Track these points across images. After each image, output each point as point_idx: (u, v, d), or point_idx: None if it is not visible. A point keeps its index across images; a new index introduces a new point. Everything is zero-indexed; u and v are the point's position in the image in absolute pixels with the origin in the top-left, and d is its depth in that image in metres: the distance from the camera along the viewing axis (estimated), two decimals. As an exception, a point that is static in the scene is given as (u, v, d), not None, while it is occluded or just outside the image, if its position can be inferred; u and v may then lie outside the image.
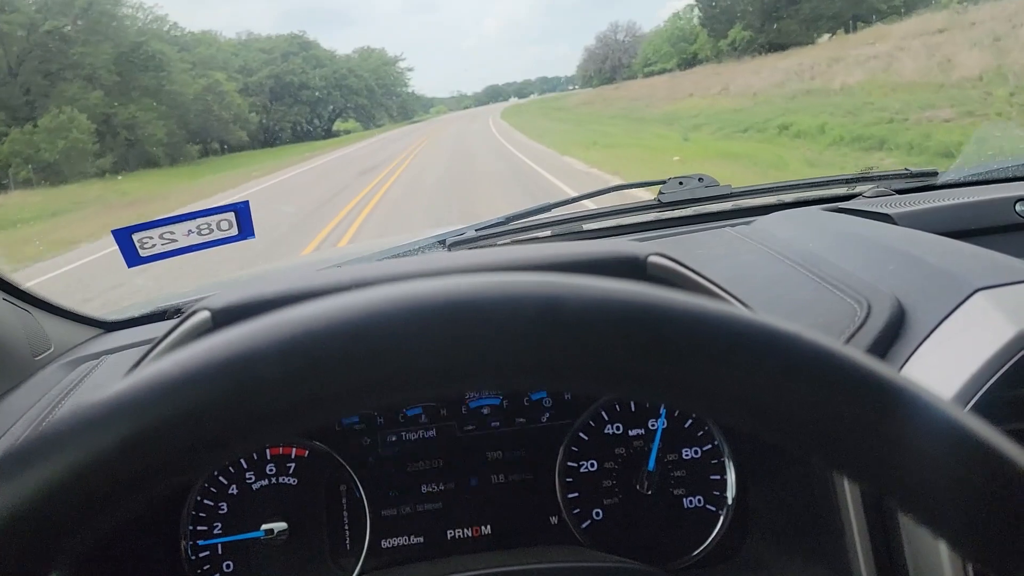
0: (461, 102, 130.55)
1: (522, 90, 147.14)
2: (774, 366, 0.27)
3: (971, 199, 1.07)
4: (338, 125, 63.82)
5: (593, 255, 0.65)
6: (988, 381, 0.59)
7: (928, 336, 0.67)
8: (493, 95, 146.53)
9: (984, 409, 0.59)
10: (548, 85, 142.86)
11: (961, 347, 0.64)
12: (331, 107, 63.95)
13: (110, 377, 0.91)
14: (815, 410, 0.27)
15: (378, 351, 0.27)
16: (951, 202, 1.07)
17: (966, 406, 0.59)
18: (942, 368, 0.63)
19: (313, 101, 59.38)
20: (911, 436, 0.27)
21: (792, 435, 0.28)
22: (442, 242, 1.34)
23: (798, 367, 0.28)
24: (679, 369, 0.28)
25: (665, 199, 1.41)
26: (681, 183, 1.43)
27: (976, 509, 0.27)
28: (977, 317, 0.65)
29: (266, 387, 0.27)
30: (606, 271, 0.65)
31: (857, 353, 0.28)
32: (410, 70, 76.03)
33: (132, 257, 1.02)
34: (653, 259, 0.65)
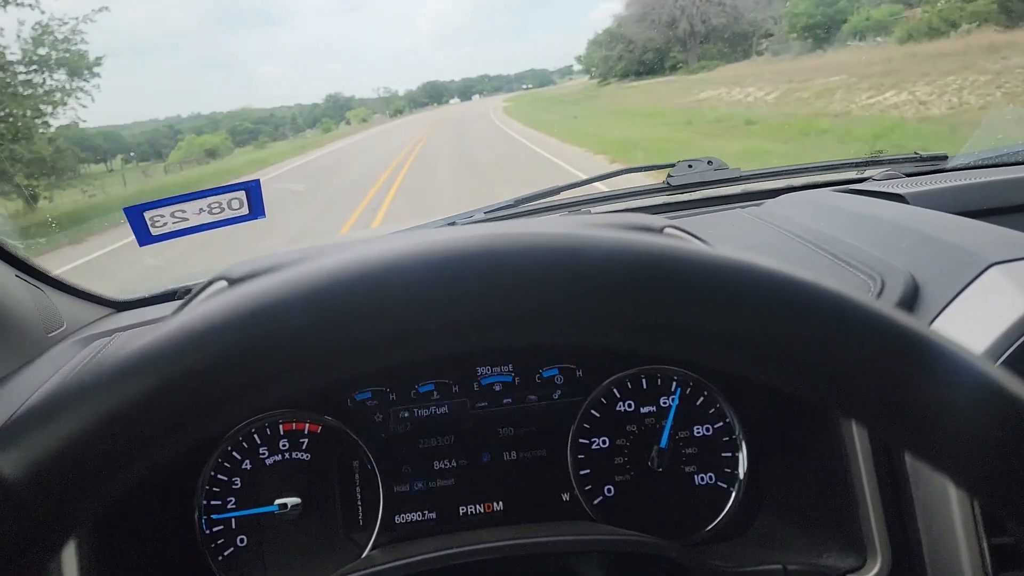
0: (391, 103, 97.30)
1: (465, 89, 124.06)
2: (807, 318, 0.28)
3: (983, 179, 1.06)
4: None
5: (609, 225, 0.65)
6: (1004, 353, 0.59)
7: (942, 311, 0.67)
8: (433, 94, 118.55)
9: None
10: (492, 84, 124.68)
11: (976, 320, 0.64)
12: None
13: None
14: (846, 362, 0.27)
15: (400, 301, 0.27)
16: (963, 182, 1.06)
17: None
18: (958, 341, 0.63)
19: None
20: (942, 388, 0.27)
21: (819, 387, 0.28)
22: (451, 224, 1.34)
23: (830, 319, 0.28)
24: (713, 319, 0.28)
25: (674, 182, 1.40)
26: (690, 166, 1.42)
27: (1001, 460, 0.27)
28: (992, 291, 0.65)
29: (293, 335, 0.27)
30: None
31: (891, 308, 0.28)
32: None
33: (144, 235, 1.02)
34: (669, 230, 0.65)
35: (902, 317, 0.28)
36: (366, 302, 0.27)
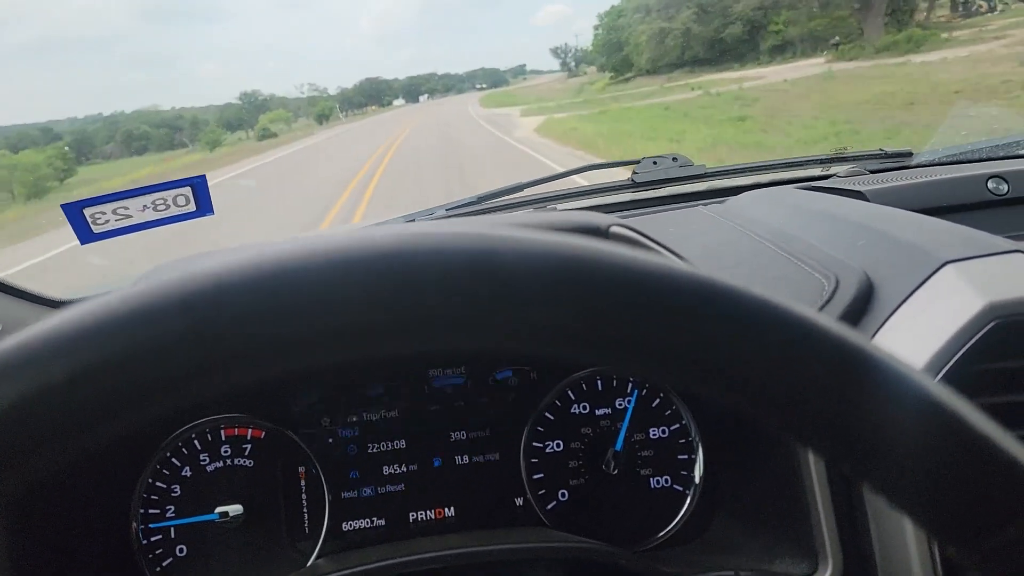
0: (314, 104, 74.74)
1: (411, 89, 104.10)
2: (738, 329, 0.26)
3: (944, 176, 1.06)
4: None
5: (554, 224, 0.63)
6: (956, 354, 0.58)
7: (896, 309, 0.66)
8: (372, 93, 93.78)
9: (952, 382, 0.58)
10: (441, 83, 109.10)
11: (929, 320, 0.62)
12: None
13: None
14: (777, 374, 0.26)
15: (292, 305, 0.25)
16: (924, 179, 1.05)
17: (934, 379, 0.58)
18: (910, 341, 0.62)
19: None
20: (879, 404, 0.26)
21: (753, 400, 0.27)
22: (411, 221, 1.32)
23: (761, 329, 0.26)
24: (628, 327, 0.26)
25: (639, 179, 1.39)
26: (655, 163, 1.41)
27: (941, 481, 0.26)
28: (945, 290, 0.64)
29: (170, 343, 0.24)
30: None
31: (826, 319, 0.26)
32: None
33: (85, 234, 0.98)
34: (615, 229, 0.62)
35: (840, 330, 0.27)
36: (262, 303, 0.25)
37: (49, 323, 0.25)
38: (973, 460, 0.26)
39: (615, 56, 36.71)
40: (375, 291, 0.25)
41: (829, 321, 0.27)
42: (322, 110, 70.33)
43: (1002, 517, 0.26)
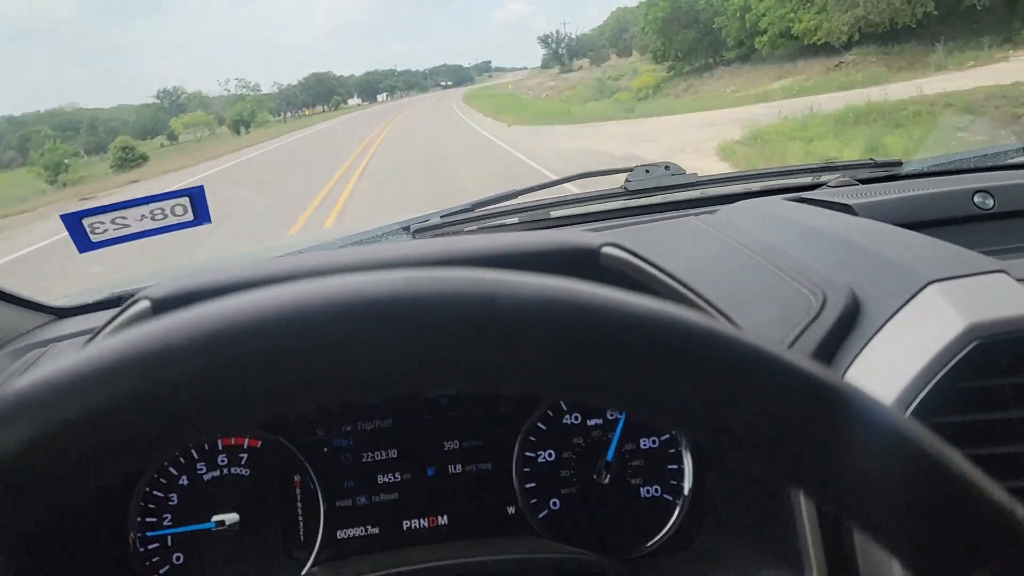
0: (236, 105, 56.53)
1: (367, 86, 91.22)
2: (715, 371, 0.27)
3: (931, 190, 1.07)
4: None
5: (546, 245, 0.64)
6: (938, 374, 0.60)
7: (881, 328, 0.67)
8: (320, 92, 78.68)
9: (933, 401, 0.60)
10: (401, 80, 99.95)
11: (913, 339, 0.64)
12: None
13: None
14: (755, 416, 0.27)
15: (296, 350, 0.26)
16: (911, 193, 1.07)
17: (916, 398, 0.60)
18: (894, 360, 0.63)
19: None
20: (851, 441, 0.27)
21: (732, 440, 0.28)
22: (406, 229, 1.33)
23: (738, 372, 0.27)
24: (612, 373, 0.27)
25: (631, 187, 1.40)
26: (647, 171, 1.42)
27: (917, 520, 0.27)
28: (929, 310, 0.65)
29: (183, 385, 0.25)
30: (559, 261, 0.64)
31: (799, 357, 0.28)
32: None
33: (83, 243, 0.99)
34: (606, 250, 0.64)
35: (813, 368, 0.28)
36: (260, 352, 0.26)
37: (69, 360, 0.26)
38: (948, 499, 0.27)
39: (677, 38, 25.51)
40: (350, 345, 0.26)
41: (802, 359, 0.28)
42: (240, 113, 52.77)
43: (979, 557, 0.27)
